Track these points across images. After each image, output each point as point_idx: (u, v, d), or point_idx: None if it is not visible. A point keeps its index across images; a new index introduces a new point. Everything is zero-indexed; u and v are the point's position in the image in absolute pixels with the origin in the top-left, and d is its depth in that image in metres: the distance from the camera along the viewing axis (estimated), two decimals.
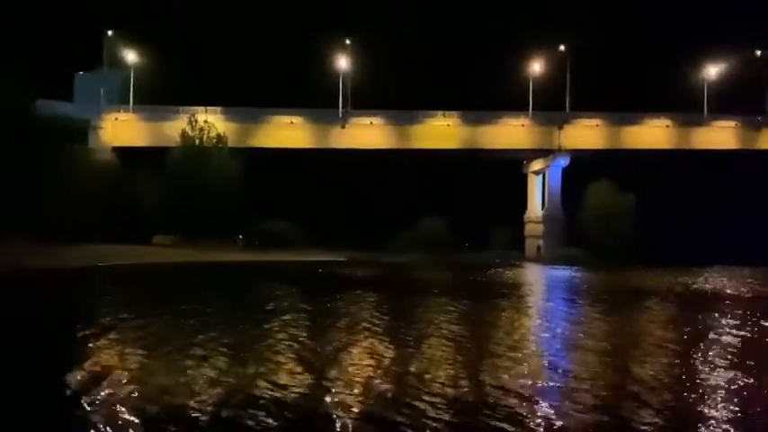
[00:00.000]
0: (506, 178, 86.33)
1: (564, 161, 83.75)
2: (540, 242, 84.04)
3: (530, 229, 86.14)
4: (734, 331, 17.17)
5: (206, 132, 75.50)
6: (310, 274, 44.11)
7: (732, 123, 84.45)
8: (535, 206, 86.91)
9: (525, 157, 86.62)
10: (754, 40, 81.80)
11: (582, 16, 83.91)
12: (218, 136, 75.78)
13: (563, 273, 51.41)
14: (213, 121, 76.74)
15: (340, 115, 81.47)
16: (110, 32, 77.86)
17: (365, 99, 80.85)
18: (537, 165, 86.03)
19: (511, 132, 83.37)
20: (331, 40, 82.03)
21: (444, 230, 77.52)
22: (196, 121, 75.84)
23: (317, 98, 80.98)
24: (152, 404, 9.51)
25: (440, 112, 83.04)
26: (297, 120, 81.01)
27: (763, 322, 19.31)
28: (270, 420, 8.94)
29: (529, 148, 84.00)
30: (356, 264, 57.02)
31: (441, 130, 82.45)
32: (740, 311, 21.55)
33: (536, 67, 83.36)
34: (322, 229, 76.98)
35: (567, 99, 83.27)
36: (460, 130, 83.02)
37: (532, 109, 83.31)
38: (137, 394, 10.08)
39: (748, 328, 17.84)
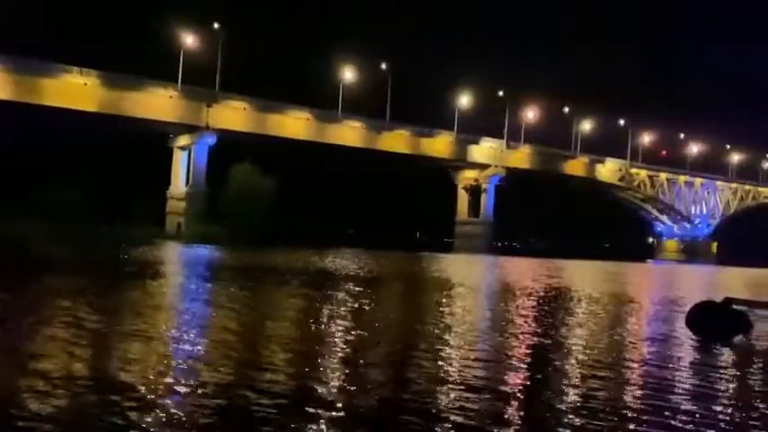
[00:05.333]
0: (151, 150, 67.15)
1: (211, 139, 68.16)
2: (182, 219, 66.76)
3: (172, 205, 68.43)
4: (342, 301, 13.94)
5: None
6: None
7: (359, 124, 77.80)
8: (179, 182, 69.45)
9: (172, 131, 68.28)
10: (384, 51, 77.36)
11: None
12: None
13: (202, 251, 40.83)
14: None
15: None
16: None
17: None
18: (183, 140, 68.72)
19: (157, 102, 64.77)
20: None
21: (78, 201, 55.08)
22: None
23: None
24: None
25: (75, 68, 60.25)
26: None
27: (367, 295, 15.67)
28: None
29: (176, 122, 66.16)
30: None
31: (76, 89, 59.97)
32: (353, 286, 17.94)
33: (188, 40, 65.88)
34: None
35: (218, 77, 67.71)
36: (100, 91, 61.61)
37: (182, 82, 65.48)
38: None
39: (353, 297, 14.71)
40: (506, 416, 5.32)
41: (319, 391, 5.82)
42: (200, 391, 5.70)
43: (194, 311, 11.05)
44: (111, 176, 59.12)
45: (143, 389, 5.62)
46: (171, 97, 65.46)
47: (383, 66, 78.19)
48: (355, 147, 77.24)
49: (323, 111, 75.46)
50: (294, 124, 73.26)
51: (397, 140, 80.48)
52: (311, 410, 5.17)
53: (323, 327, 9.72)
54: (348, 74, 76.10)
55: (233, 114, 69.30)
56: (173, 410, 5.07)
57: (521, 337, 9.91)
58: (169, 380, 6.11)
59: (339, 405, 5.32)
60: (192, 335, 8.62)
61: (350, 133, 77.29)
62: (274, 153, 69.70)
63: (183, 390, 5.72)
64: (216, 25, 67.19)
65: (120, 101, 62.19)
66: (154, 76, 64.46)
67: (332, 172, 77.76)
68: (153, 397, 5.43)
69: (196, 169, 68.16)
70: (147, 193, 63.30)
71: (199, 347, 7.82)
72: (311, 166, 74.86)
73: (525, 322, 11.72)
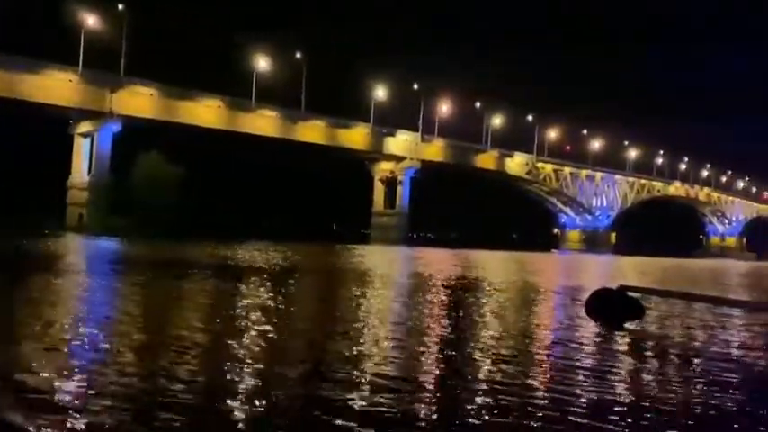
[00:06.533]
0: (50, 137, 63.10)
1: (115, 126, 65.02)
2: (84, 210, 63.30)
3: (73, 195, 64.73)
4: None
5: None
6: None
7: (274, 113, 76.53)
8: (81, 171, 65.70)
9: (73, 117, 64.47)
10: (300, 40, 76.57)
11: None
12: None
13: (103, 244, 38.78)
14: None
15: None
16: None
17: None
18: (85, 127, 65.12)
19: (57, 87, 61.02)
20: None
21: None
22: None
23: None
24: None
25: None
26: None
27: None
28: None
29: (76, 107, 62.50)
30: None
31: None
32: (260, 281, 17.14)
33: (90, 20, 62.36)
34: None
35: (123, 62, 64.59)
36: None
37: (83, 66, 61.92)
38: None
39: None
40: (414, 413, 5.29)
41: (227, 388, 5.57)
42: None
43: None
44: (6, 165, 55.14)
45: None
46: (71, 81, 61.79)
47: (298, 55, 77.20)
48: (270, 136, 75.92)
49: (235, 99, 73.65)
50: (205, 112, 71.06)
51: (312, 131, 79.77)
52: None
53: (217, 330, 9.29)
54: (262, 62, 74.62)
55: (139, 101, 66.29)
56: None
57: (428, 328, 10.00)
58: None
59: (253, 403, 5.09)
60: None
61: (264, 123, 75.86)
62: (185, 142, 67.44)
63: None
64: (120, 6, 63.93)
65: (15, 84, 58.07)
66: (53, 59, 60.57)
67: (246, 162, 76.21)
68: None
69: (99, 157, 64.78)
70: (46, 182, 59.66)
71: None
72: (224, 156, 73.02)
73: (434, 312, 11.87)
